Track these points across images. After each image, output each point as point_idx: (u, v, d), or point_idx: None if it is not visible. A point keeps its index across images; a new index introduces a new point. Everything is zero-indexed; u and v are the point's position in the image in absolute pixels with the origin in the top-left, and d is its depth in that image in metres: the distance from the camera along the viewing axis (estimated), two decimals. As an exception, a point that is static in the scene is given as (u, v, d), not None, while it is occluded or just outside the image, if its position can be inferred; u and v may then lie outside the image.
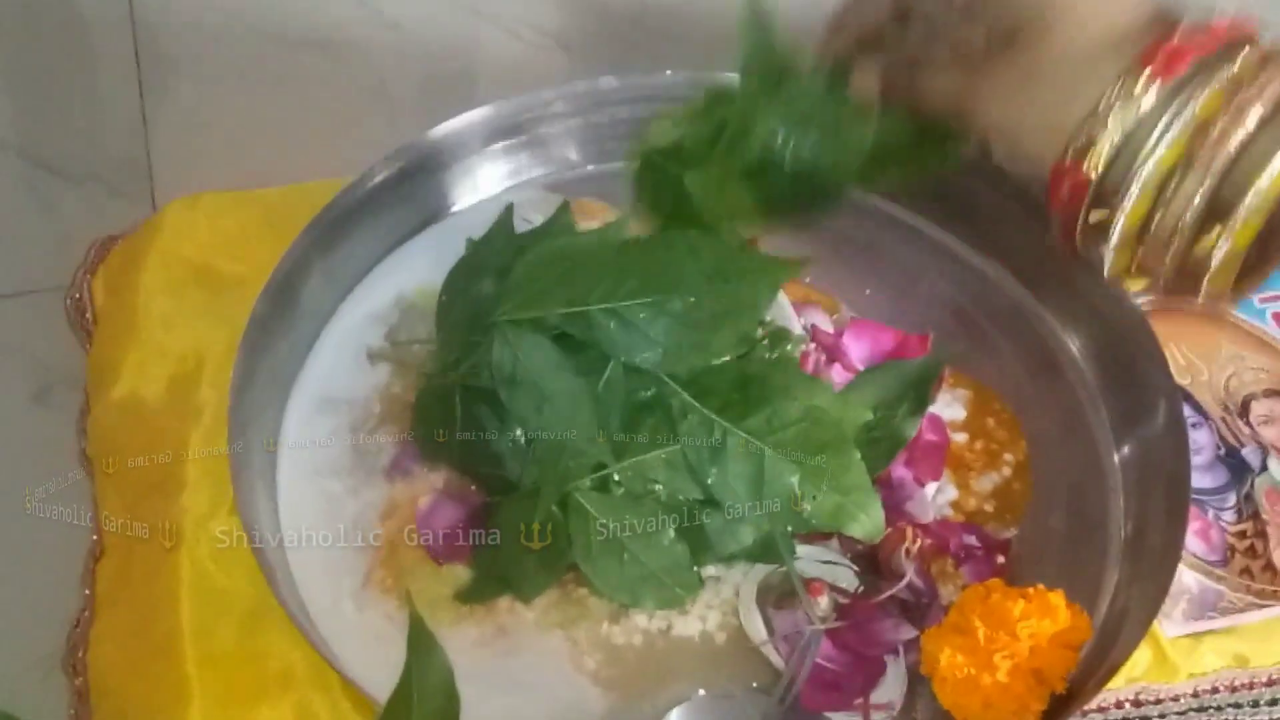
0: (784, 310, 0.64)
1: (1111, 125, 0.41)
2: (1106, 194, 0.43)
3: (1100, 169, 0.42)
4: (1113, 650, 0.55)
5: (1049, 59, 0.44)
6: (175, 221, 0.71)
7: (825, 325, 0.66)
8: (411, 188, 0.69)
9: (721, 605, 0.59)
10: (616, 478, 0.58)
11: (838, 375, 0.64)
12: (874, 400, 0.61)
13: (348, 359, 0.65)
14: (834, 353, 0.65)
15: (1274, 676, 0.60)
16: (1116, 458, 0.62)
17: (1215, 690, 0.60)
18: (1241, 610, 0.60)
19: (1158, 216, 0.42)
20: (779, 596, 0.58)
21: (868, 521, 0.56)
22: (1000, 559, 0.60)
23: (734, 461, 0.56)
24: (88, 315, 0.71)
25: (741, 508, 0.57)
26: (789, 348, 0.63)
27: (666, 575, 0.58)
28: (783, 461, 0.56)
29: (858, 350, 0.66)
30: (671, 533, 0.57)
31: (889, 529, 0.58)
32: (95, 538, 0.63)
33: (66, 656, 0.60)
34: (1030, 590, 0.55)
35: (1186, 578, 0.61)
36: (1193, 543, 0.62)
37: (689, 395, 0.57)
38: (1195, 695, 0.60)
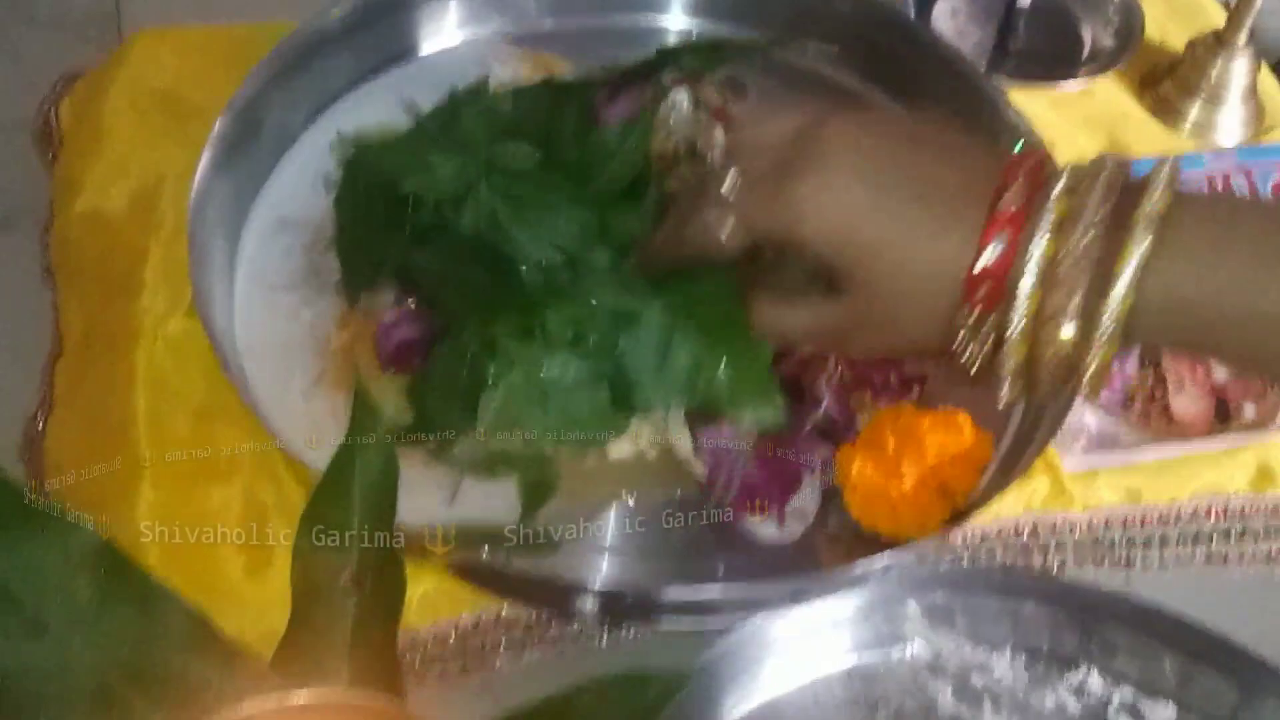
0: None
1: (972, 350, 0.44)
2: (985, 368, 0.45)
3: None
4: (1012, 473, 0.59)
5: (880, 304, 0.45)
6: (141, 53, 0.73)
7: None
8: (377, 28, 0.72)
9: (654, 428, 0.62)
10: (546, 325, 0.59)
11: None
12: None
13: (305, 184, 0.68)
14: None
15: (1165, 514, 0.64)
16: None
17: (1108, 524, 0.64)
18: (1137, 448, 0.64)
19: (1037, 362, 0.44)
20: (706, 413, 0.61)
21: (764, 404, 0.59)
22: (916, 390, 0.64)
23: (645, 330, 0.59)
24: (54, 139, 0.73)
25: (645, 376, 0.59)
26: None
27: (591, 420, 0.59)
28: (690, 338, 0.59)
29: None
30: (597, 381, 0.59)
31: (810, 357, 0.62)
32: (54, 341, 0.66)
33: (23, 447, 0.63)
34: (939, 410, 0.59)
35: (1087, 418, 0.65)
36: (1096, 388, 0.66)
37: (616, 259, 0.60)
38: (1090, 528, 0.64)
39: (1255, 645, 0.59)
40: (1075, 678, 0.60)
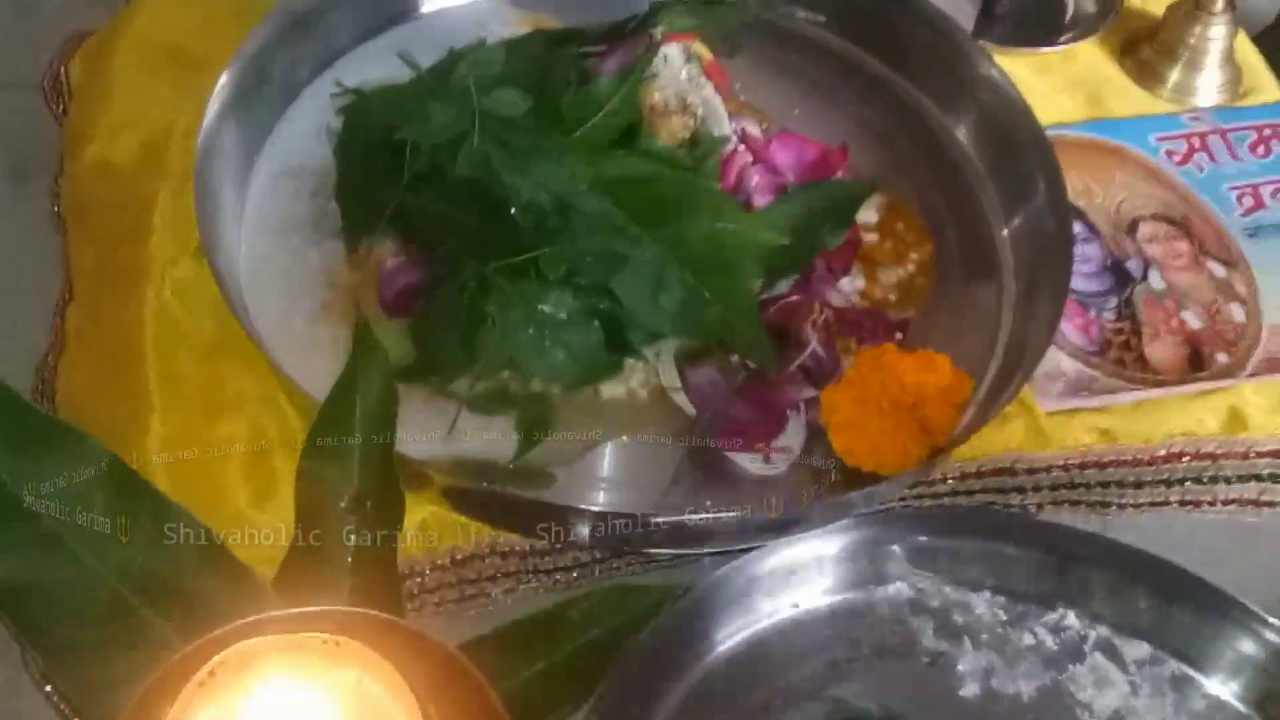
0: (716, 111, 0.69)
1: None
2: None
3: None
4: (989, 412, 0.61)
5: None
6: (150, 9, 0.76)
7: (755, 132, 0.71)
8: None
9: (645, 368, 0.65)
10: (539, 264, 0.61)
11: (759, 176, 0.69)
12: (800, 215, 0.67)
13: (310, 135, 0.70)
14: (760, 156, 0.70)
15: (1139, 455, 0.66)
16: (1006, 231, 0.69)
17: (1084, 466, 0.66)
18: (1112, 392, 0.66)
19: None
20: (694, 354, 0.64)
21: (751, 337, 0.62)
22: (899, 335, 0.66)
23: (638, 266, 0.61)
24: (64, 94, 0.75)
25: (640, 309, 0.61)
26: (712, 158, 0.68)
27: (586, 357, 0.61)
28: (681, 274, 0.61)
29: (784, 157, 0.71)
30: (590, 318, 0.61)
31: (798, 302, 0.64)
32: (65, 285, 0.68)
33: (35, 386, 0.65)
34: (920, 353, 0.61)
35: (1065, 364, 0.67)
36: (1075, 335, 0.68)
37: (609, 199, 0.62)
38: (1065, 469, 0.66)
39: (1228, 586, 0.60)
40: (1053, 617, 0.62)
